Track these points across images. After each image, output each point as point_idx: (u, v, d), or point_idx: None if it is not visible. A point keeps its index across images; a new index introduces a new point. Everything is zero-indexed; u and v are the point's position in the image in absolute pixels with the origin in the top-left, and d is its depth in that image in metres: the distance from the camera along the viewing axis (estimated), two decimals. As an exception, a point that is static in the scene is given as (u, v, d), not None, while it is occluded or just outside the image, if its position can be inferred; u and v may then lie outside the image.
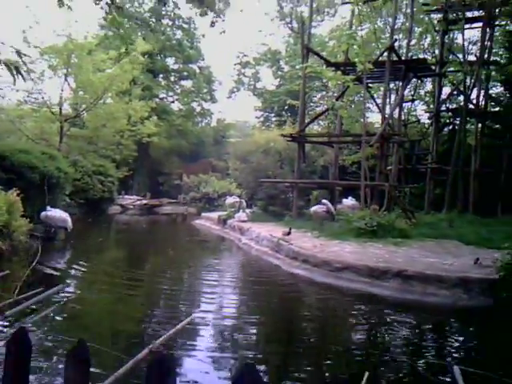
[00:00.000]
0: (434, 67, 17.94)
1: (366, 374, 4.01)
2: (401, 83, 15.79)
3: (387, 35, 19.88)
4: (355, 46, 13.41)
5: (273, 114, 40.19)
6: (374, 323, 6.28)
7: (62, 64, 22.00)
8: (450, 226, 14.00)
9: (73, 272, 8.61)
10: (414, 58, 18.33)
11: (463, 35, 16.26)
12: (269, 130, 31.78)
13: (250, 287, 8.32)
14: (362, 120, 14.88)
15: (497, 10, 17.93)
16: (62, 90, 22.95)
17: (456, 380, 3.95)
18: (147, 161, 35.14)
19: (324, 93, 32.86)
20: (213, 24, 6.89)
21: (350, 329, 6.10)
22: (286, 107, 35.71)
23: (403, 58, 15.17)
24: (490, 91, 23.68)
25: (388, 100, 16.34)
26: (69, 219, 11.68)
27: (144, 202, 28.95)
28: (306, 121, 17.67)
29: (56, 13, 24.01)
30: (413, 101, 21.80)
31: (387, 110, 14.98)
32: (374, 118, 29.32)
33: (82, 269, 8.81)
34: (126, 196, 29.19)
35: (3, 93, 22.55)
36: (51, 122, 23.22)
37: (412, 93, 23.85)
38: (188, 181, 30.87)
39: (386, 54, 14.10)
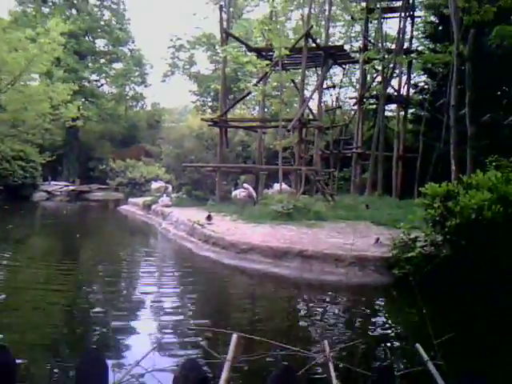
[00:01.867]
0: (358, 54, 18.46)
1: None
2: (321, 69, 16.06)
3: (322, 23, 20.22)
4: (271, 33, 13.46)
5: (209, 99, 39.79)
6: (261, 300, 6.46)
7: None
8: (367, 207, 14.53)
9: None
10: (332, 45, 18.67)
11: (380, 24, 16.78)
12: (204, 114, 31.50)
13: (156, 270, 8.27)
14: (282, 105, 14.98)
15: (416, 1, 18.66)
16: (-25, 70, 21.49)
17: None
18: (77, 146, 33.91)
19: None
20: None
21: (233, 305, 6.23)
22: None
23: (322, 45, 15.43)
24: (418, 79, 24.76)
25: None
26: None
27: (72, 188, 27.94)
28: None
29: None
30: (334, 87, 22.27)
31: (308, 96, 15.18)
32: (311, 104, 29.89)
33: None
34: (53, 182, 28.09)
35: None
36: (-36, 104, 21.77)
37: (343, 79, 24.49)
38: (114, 166, 30.01)
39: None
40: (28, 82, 24.08)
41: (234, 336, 2.15)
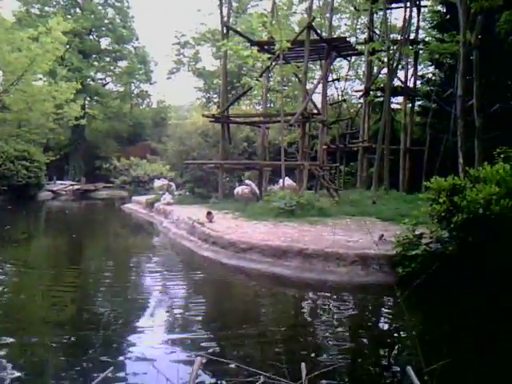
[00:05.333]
0: (364, 46, 18.06)
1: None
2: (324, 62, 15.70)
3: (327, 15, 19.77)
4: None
5: (214, 95, 39.52)
6: (255, 302, 6.22)
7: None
8: (374, 203, 14.17)
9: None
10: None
11: (385, 14, 16.30)
12: (209, 110, 31.25)
13: (148, 274, 8.03)
14: (287, 99, 14.63)
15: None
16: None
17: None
18: (83, 144, 33.88)
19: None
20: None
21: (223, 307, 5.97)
22: (229, 87, 35.19)
23: (325, 37, 15.06)
24: (425, 71, 24.25)
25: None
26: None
27: (77, 186, 27.89)
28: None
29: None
30: (338, 80, 21.88)
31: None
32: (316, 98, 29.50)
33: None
34: (59, 181, 28.02)
35: None
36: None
37: (349, 72, 24.12)
38: (118, 164, 29.85)
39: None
40: (32, 82, 23.97)
41: (198, 359, 1.89)
